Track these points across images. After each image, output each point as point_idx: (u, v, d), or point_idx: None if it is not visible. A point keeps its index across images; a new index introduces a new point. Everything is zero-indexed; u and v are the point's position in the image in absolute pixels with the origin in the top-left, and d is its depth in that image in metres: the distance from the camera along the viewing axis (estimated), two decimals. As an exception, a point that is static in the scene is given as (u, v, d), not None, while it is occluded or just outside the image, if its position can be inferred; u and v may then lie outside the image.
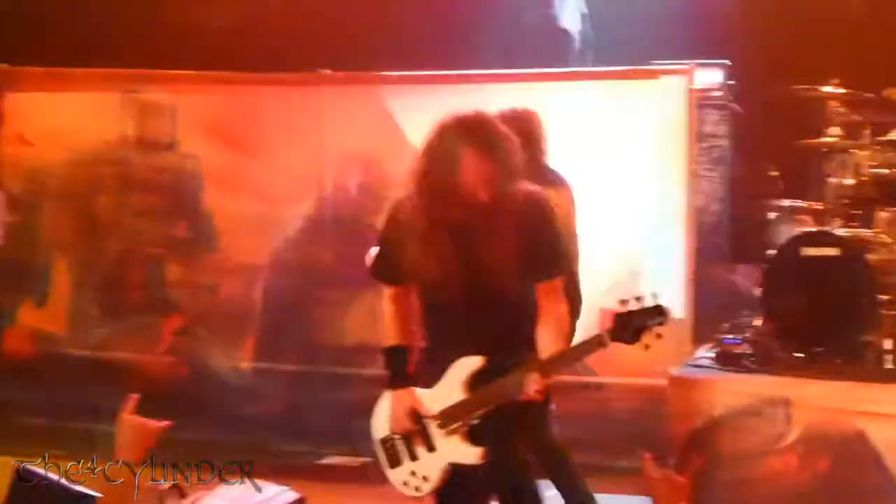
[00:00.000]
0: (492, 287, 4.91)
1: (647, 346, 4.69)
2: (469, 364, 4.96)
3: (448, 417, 4.98)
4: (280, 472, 6.34)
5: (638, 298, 4.69)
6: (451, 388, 4.99)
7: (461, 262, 4.92)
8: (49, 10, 9.47)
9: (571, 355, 4.93)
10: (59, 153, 9.29)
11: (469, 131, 4.81)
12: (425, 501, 5.17)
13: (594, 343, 4.78)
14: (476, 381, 4.95)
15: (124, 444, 3.60)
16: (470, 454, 4.98)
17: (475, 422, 4.97)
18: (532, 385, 4.79)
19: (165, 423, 3.67)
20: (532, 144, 6.21)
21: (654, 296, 4.69)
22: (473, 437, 4.99)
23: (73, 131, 9.28)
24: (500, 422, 4.95)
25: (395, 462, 5.14)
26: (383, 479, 5.24)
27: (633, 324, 4.68)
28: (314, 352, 8.76)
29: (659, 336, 4.68)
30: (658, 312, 4.68)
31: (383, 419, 5.17)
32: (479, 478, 5.11)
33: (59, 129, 9.29)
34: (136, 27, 9.48)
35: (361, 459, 7.51)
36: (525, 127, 6.11)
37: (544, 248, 4.99)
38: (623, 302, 4.70)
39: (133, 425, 3.63)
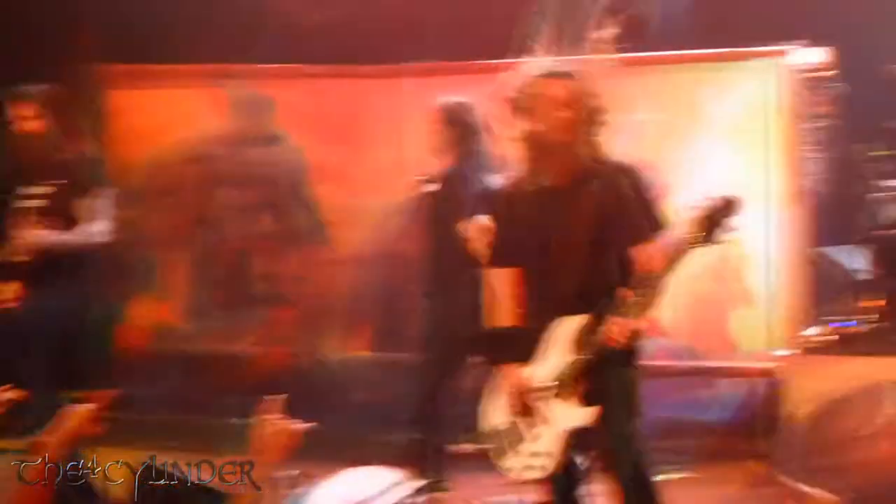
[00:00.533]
0: (592, 253, 4.91)
1: (720, 242, 4.67)
2: (572, 323, 4.94)
3: (562, 379, 4.96)
4: (395, 461, 6.39)
5: (710, 199, 4.68)
6: (557, 353, 4.97)
7: (563, 231, 4.94)
8: (148, 7, 9.55)
9: (656, 276, 4.82)
10: (163, 149, 9.40)
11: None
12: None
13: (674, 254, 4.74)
14: (581, 339, 4.93)
15: (269, 445, 3.58)
16: (584, 415, 4.96)
17: (586, 382, 4.95)
18: (612, 328, 4.78)
19: (308, 424, 3.66)
20: None
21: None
22: (586, 398, 4.98)
23: (175, 127, 9.38)
24: (608, 377, 4.94)
25: (513, 448, 5.13)
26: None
27: (705, 222, 4.65)
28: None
29: (732, 229, 4.65)
30: (726, 203, 4.66)
31: (500, 407, 5.17)
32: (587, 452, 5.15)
33: (162, 125, 9.39)
34: (233, 23, 9.54)
35: (478, 446, 7.51)
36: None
37: (643, 213, 4.99)
38: (697, 208, 4.68)
39: (278, 426, 3.62)
